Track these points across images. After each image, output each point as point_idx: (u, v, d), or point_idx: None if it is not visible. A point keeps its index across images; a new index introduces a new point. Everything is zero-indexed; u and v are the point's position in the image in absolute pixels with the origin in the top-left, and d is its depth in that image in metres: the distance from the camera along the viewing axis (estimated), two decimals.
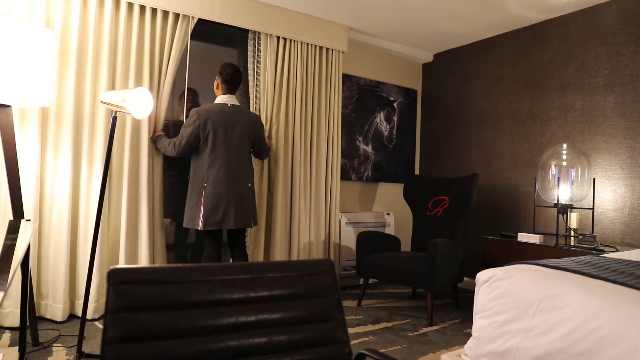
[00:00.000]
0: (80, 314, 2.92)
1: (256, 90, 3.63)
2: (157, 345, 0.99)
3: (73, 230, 2.92)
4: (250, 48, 3.61)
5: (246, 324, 1.07)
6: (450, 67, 4.70)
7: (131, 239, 3.10)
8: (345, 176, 4.37)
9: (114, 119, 2.38)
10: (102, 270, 2.99)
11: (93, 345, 2.50)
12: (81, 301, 2.91)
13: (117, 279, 1.01)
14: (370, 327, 3.02)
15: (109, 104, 2.43)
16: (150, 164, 3.14)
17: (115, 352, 0.95)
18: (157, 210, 3.18)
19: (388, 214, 4.48)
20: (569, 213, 3.31)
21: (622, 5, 3.34)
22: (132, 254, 3.12)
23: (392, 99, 4.74)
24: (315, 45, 3.91)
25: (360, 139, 4.49)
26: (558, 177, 3.33)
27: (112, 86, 3.02)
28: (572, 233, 3.26)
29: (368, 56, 4.59)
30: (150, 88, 3.13)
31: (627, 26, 3.29)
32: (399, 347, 2.67)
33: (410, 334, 2.91)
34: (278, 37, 3.71)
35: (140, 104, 2.42)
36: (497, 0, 3.47)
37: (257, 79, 3.63)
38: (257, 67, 3.63)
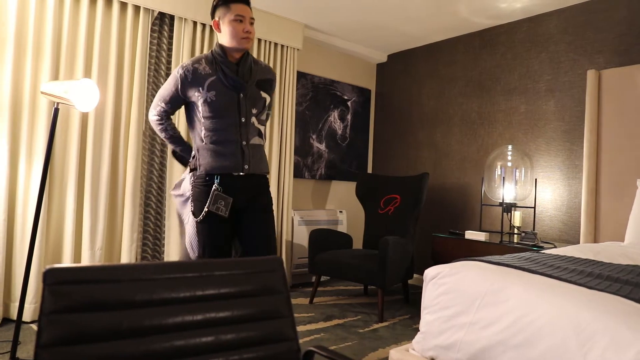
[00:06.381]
0: (15, 317, 2.76)
1: None
2: (97, 347, 0.95)
3: (9, 228, 2.76)
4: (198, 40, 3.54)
5: (192, 323, 1.04)
6: (403, 68, 4.80)
7: (77, 239, 2.97)
8: (298, 174, 4.37)
9: (56, 111, 2.26)
10: (41, 272, 2.83)
11: (29, 350, 2.37)
12: (17, 304, 2.75)
13: (55, 279, 0.95)
14: (321, 324, 3.03)
15: (50, 95, 2.30)
16: (98, 159, 3.02)
17: (51, 356, 0.90)
18: (119, 208, 3.05)
19: (341, 211, 4.52)
20: (513, 212, 3.46)
21: (562, 16, 3.52)
22: (79, 255, 2.99)
23: (346, 97, 4.78)
24: (270, 42, 3.88)
25: (314, 137, 4.51)
26: (503, 177, 3.48)
27: (55, 77, 2.88)
28: (516, 230, 3.42)
29: (323, 54, 4.60)
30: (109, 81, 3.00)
31: (567, 36, 3.48)
32: (350, 343, 2.70)
33: (361, 330, 2.95)
34: None
35: (85, 96, 2.32)
36: (449, 5, 3.58)
37: None
38: None
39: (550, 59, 3.58)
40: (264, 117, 2.14)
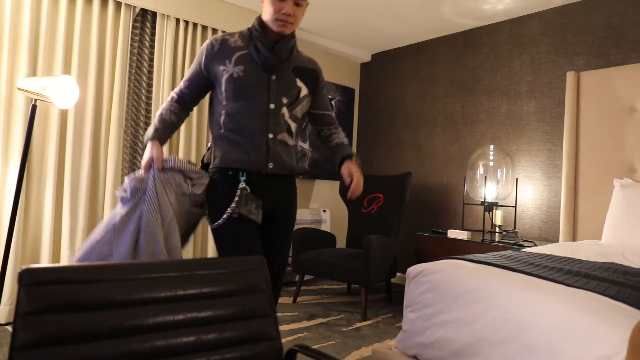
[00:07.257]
0: None
1: None
2: (76, 348, 0.93)
3: None
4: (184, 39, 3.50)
5: (174, 323, 1.03)
6: (387, 68, 4.82)
7: (56, 239, 2.92)
8: None
9: (34, 107, 2.21)
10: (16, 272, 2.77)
11: (4, 353, 2.32)
12: None
13: (31, 280, 0.93)
14: (305, 324, 3.03)
15: (27, 91, 2.26)
16: (77, 159, 2.96)
17: (26, 358, 0.88)
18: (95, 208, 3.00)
19: (324, 210, 4.52)
20: (494, 210, 3.51)
21: (543, 18, 3.58)
22: (57, 255, 2.93)
23: (330, 97, 4.78)
24: None
25: None
26: (485, 177, 3.52)
27: (33, 72, 2.81)
28: (497, 229, 3.46)
29: (307, 53, 4.59)
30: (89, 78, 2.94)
31: (547, 38, 3.54)
32: (333, 342, 2.71)
33: (344, 329, 2.96)
34: (215, 30, 3.63)
35: (64, 93, 2.27)
36: (434, 5, 3.60)
37: None
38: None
39: (531, 61, 3.63)
40: (297, 112, 1.74)
